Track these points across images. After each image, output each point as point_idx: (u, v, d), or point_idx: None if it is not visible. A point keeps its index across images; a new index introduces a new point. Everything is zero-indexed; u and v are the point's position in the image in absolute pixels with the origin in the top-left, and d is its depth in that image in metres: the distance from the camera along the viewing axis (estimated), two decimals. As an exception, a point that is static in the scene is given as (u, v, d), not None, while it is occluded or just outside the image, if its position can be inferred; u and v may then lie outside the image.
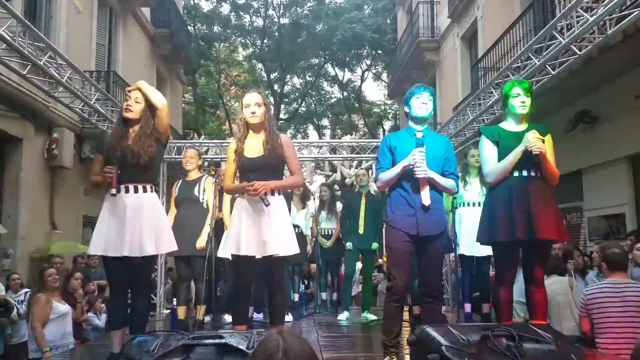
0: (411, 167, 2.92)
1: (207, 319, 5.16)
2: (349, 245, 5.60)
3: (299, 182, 3.40)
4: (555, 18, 5.41)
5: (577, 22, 4.97)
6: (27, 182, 8.05)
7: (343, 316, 5.66)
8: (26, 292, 5.36)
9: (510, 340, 1.98)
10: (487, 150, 3.05)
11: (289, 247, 3.15)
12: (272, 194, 3.15)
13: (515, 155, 2.91)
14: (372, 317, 5.38)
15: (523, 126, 3.07)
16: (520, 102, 3.02)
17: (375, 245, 5.57)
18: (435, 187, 3.02)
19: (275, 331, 1.18)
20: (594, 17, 4.74)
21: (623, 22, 4.80)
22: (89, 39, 10.31)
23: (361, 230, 5.54)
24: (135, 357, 1.84)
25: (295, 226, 5.73)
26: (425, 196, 2.95)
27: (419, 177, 2.91)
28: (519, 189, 2.95)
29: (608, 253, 3.58)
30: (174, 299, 5.22)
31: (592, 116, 7.36)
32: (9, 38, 4.54)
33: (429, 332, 2.05)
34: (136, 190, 3.02)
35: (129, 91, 3.13)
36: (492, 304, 3.12)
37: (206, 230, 4.55)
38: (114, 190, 2.95)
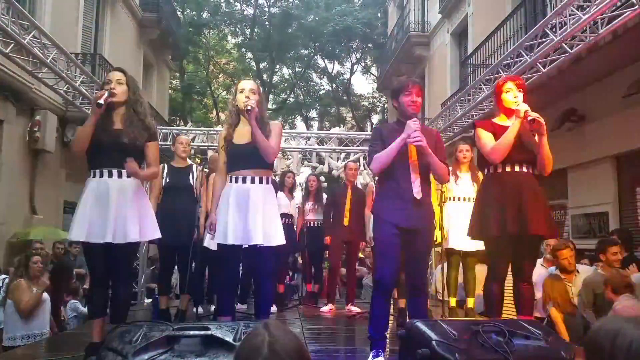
0: (408, 138, 2.83)
1: (200, 310, 5.01)
2: None
3: (274, 151, 3.18)
4: (548, 15, 5.41)
5: (570, 20, 4.98)
6: (7, 165, 7.86)
7: (326, 308, 5.63)
8: (4, 279, 5.21)
9: (500, 336, 1.97)
10: (484, 135, 3.03)
11: (274, 238, 3.10)
12: (260, 182, 3.12)
13: (513, 128, 2.88)
14: (356, 309, 5.37)
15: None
16: (513, 96, 3.02)
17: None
18: (426, 181, 2.99)
19: (261, 324, 1.14)
20: (586, 15, 4.75)
21: (615, 21, 4.81)
22: (75, 20, 10.09)
23: (346, 222, 5.50)
24: (118, 348, 1.77)
25: (288, 216, 5.71)
26: (417, 189, 2.92)
27: (416, 144, 2.83)
28: (510, 184, 2.94)
29: None
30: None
31: (578, 115, 7.41)
32: (-10, 15, 4.39)
33: (419, 327, 2.03)
34: (120, 175, 2.94)
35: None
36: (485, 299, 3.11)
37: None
38: (101, 101, 2.83)
